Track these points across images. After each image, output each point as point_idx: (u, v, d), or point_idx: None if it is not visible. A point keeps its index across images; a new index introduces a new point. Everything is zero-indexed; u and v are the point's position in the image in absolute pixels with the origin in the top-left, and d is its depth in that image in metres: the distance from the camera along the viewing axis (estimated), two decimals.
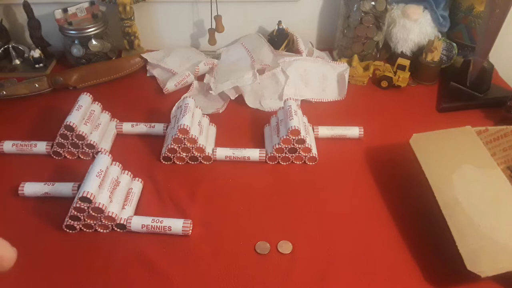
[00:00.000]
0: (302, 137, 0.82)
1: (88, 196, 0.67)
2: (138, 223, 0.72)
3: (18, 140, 0.88)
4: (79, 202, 0.68)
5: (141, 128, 0.93)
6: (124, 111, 0.98)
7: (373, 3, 1.06)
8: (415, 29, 1.10)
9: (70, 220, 0.71)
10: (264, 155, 0.86)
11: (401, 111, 1.01)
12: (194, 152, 0.85)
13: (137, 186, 0.80)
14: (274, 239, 0.71)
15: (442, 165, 0.74)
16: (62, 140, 0.85)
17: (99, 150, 0.86)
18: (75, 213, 0.70)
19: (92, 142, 0.85)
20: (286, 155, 0.86)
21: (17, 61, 1.14)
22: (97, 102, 0.92)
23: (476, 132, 0.80)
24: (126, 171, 0.79)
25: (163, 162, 0.87)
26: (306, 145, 0.84)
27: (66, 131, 0.83)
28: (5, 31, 1.16)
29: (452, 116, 1.00)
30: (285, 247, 0.70)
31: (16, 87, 1.01)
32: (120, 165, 0.78)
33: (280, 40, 1.17)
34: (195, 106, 0.89)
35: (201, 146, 0.84)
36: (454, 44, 1.10)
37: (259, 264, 0.68)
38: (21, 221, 0.74)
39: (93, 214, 0.70)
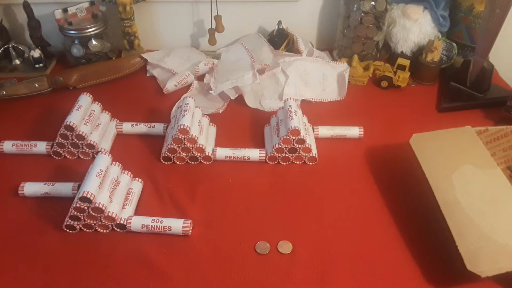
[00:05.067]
0: (302, 137, 0.82)
1: (88, 196, 0.67)
2: (138, 223, 0.72)
3: (18, 140, 0.88)
4: (79, 202, 0.68)
5: (141, 128, 0.93)
6: (124, 111, 0.98)
7: (373, 3, 1.06)
8: (415, 29, 1.10)
9: (70, 220, 0.71)
10: (264, 155, 0.86)
11: (401, 111, 1.01)
12: (194, 152, 0.85)
13: (137, 186, 0.80)
14: (274, 239, 0.71)
15: (442, 165, 0.74)
16: (62, 140, 0.85)
17: (99, 150, 0.86)
18: (75, 213, 0.70)
19: (92, 142, 0.85)
20: (286, 155, 0.86)
21: (17, 61, 1.14)
22: (97, 102, 0.92)
23: (476, 132, 0.80)
24: (126, 171, 0.79)
25: (163, 162, 0.87)
26: (306, 145, 0.84)
27: (66, 131, 0.83)
28: (5, 31, 1.16)
29: (452, 116, 1.00)
30: (285, 247, 0.70)
31: (16, 87, 1.01)
32: (120, 165, 0.78)
33: (280, 40, 1.17)
34: (195, 106, 0.89)
35: (201, 146, 0.84)
36: (454, 44, 1.10)
37: (259, 264, 0.68)
38: (21, 221, 0.74)
39: (93, 214, 0.70)
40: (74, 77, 1.05)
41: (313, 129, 0.92)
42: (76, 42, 1.10)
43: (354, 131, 0.92)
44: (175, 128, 0.83)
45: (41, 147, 0.87)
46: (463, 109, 1.01)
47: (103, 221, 0.71)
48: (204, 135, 0.88)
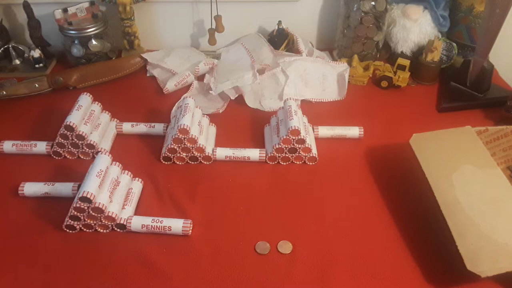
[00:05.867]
0: (302, 137, 0.82)
1: (88, 196, 0.67)
2: (138, 223, 0.72)
3: (18, 140, 0.88)
4: (79, 202, 0.68)
5: (141, 128, 0.93)
6: (124, 111, 0.98)
7: (373, 3, 1.06)
8: (415, 29, 1.10)
9: (70, 220, 0.71)
10: (264, 155, 0.86)
11: (401, 111, 1.01)
12: (194, 152, 0.85)
13: (137, 186, 0.80)
14: (274, 239, 0.71)
15: (442, 165, 0.74)
16: (62, 140, 0.85)
17: (99, 150, 0.86)
18: (75, 213, 0.70)
19: (92, 142, 0.85)
20: (286, 155, 0.85)
21: (17, 61, 1.14)
22: (97, 102, 0.92)
23: (476, 132, 0.80)
24: (126, 171, 0.79)
25: (163, 162, 0.87)
26: (306, 145, 0.84)
27: (66, 131, 0.83)
28: (5, 31, 1.16)
29: (452, 116, 1.00)
30: (285, 247, 0.70)
31: (16, 87, 1.01)
32: (120, 165, 0.78)
33: (280, 40, 1.17)
34: (195, 106, 0.89)
35: (201, 146, 0.84)
36: (454, 44, 1.10)
37: (259, 264, 0.68)
38: (21, 221, 0.74)
39: (93, 214, 0.70)
40: (74, 77, 1.05)
41: (313, 129, 0.92)
42: (76, 42, 1.10)
43: (354, 131, 0.92)
44: (175, 128, 0.83)
45: (41, 147, 0.87)
46: (463, 109, 1.01)
47: (103, 221, 0.71)
48: (204, 135, 0.88)
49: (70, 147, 0.86)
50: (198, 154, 0.85)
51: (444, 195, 0.69)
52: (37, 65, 1.13)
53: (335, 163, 0.87)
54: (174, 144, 0.83)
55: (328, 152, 0.89)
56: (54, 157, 0.87)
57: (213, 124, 0.94)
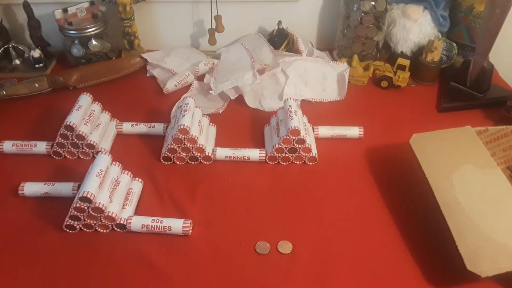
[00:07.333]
0: (302, 137, 0.82)
1: (88, 196, 0.67)
2: (138, 223, 0.72)
3: (18, 140, 0.88)
4: (79, 202, 0.68)
5: (141, 128, 0.93)
6: (124, 111, 0.98)
7: (373, 3, 1.06)
8: (415, 29, 1.10)
9: (70, 220, 0.71)
10: (264, 155, 0.86)
11: (401, 111, 1.01)
12: (194, 152, 0.85)
13: (137, 186, 0.80)
14: (274, 239, 0.71)
15: (442, 165, 0.74)
16: (62, 140, 0.85)
17: (99, 150, 0.86)
18: (75, 213, 0.70)
19: (92, 142, 0.85)
20: (286, 155, 0.86)
21: (17, 61, 1.14)
22: (97, 102, 0.92)
23: (476, 132, 0.80)
24: (126, 171, 0.79)
25: (163, 162, 0.87)
26: (306, 145, 0.84)
27: (66, 131, 0.83)
28: (5, 31, 1.16)
29: (452, 116, 1.00)
30: (285, 247, 0.70)
31: (16, 87, 1.01)
32: (120, 165, 0.78)
33: (280, 40, 1.17)
34: (195, 106, 0.89)
35: (201, 146, 0.84)
36: (454, 44, 1.10)
37: (259, 264, 0.68)
38: (21, 221, 0.74)
39: (93, 214, 0.70)
40: (74, 77, 1.05)
41: (313, 129, 0.92)
42: (76, 42, 1.10)
43: (354, 131, 0.92)
44: (175, 128, 0.83)
45: (41, 147, 0.87)
46: (463, 109, 1.01)
47: (103, 221, 0.71)
48: (204, 135, 0.88)
49: (70, 147, 0.86)
50: (198, 154, 0.85)
51: (444, 195, 0.69)
52: (37, 65, 1.13)
53: (335, 163, 0.87)
54: (174, 144, 0.83)
55: (328, 152, 0.89)
56: (54, 157, 0.87)
57: (213, 124, 0.94)
